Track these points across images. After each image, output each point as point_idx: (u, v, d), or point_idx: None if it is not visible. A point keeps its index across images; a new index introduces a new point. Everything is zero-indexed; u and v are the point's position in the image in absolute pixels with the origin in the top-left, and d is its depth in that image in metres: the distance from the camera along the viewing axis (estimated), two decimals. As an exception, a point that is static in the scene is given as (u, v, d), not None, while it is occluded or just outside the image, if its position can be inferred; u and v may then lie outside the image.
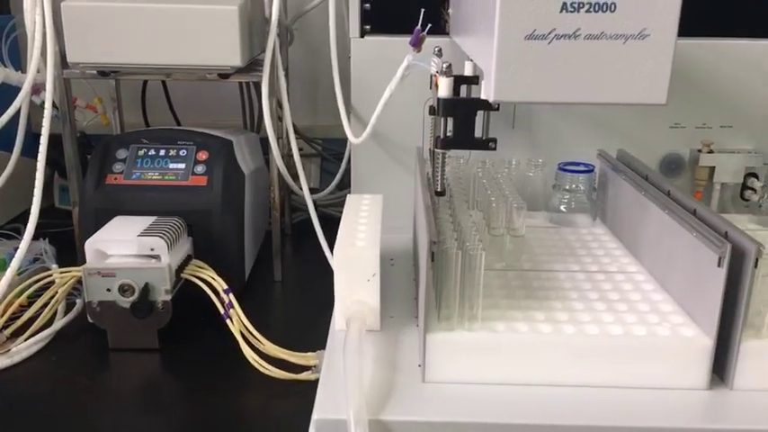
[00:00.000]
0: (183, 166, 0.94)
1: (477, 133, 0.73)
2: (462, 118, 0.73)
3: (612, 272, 0.79)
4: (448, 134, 0.74)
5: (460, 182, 0.92)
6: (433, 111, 0.91)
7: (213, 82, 0.95)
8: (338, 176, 1.22)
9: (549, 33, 0.48)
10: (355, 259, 0.71)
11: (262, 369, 0.77)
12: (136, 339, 0.85)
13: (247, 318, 0.83)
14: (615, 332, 0.64)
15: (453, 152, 1.01)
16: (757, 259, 0.60)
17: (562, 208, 0.96)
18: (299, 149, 1.43)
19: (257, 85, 1.00)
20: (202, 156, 0.95)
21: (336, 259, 0.72)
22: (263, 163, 1.10)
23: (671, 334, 0.64)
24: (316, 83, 1.40)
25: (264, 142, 1.02)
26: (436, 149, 0.76)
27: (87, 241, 0.83)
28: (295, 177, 1.06)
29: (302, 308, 1.01)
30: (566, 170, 0.96)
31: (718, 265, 0.61)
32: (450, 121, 0.74)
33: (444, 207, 0.79)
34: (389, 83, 0.85)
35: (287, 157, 1.09)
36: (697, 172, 1.04)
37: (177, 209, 0.91)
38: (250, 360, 0.78)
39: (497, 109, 0.73)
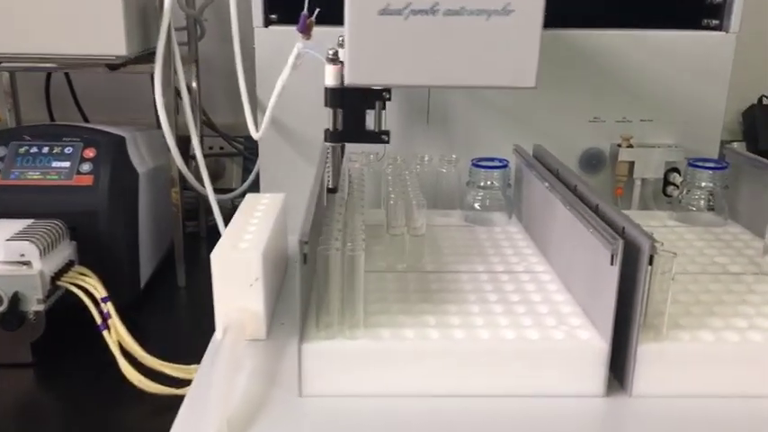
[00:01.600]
0: (67, 164, 0.87)
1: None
2: (351, 109, 0.68)
3: (518, 272, 0.74)
4: (338, 126, 0.69)
5: (367, 178, 0.87)
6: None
7: (131, 75, 0.88)
8: (252, 175, 1.16)
9: (405, 8, 0.43)
10: (235, 263, 0.65)
11: (138, 384, 0.70)
12: (6, 353, 0.77)
13: (139, 327, 0.76)
14: (507, 336, 0.60)
15: (368, 147, 0.97)
16: (652, 256, 0.56)
17: (476, 206, 0.91)
18: (220, 148, 1.37)
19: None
20: (89, 153, 0.88)
21: (214, 263, 0.65)
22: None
23: (565, 337, 0.59)
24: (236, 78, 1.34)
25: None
26: (326, 143, 0.70)
27: (-50, 247, 0.75)
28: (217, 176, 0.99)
29: (203, 316, 0.94)
30: (479, 166, 0.91)
31: (611, 263, 0.57)
32: (339, 112, 0.68)
33: (339, 205, 0.74)
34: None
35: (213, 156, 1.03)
36: (617, 167, 1.00)
37: (59, 210, 0.84)
38: (126, 374, 0.71)
39: (388, 99, 0.68)
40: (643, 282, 0.55)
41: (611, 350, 0.58)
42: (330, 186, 0.72)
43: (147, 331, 0.76)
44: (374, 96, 0.68)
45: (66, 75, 1.21)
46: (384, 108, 0.69)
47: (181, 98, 0.96)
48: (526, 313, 0.64)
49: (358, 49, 0.45)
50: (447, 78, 0.45)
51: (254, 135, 0.91)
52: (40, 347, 0.78)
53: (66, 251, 0.83)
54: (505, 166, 0.92)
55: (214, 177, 1.00)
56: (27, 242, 0.75)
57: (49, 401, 0.74)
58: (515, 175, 0.93)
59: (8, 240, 0.76)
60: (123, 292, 0.79)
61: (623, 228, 0.59)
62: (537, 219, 0.83)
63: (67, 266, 0.81)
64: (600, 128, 1.00)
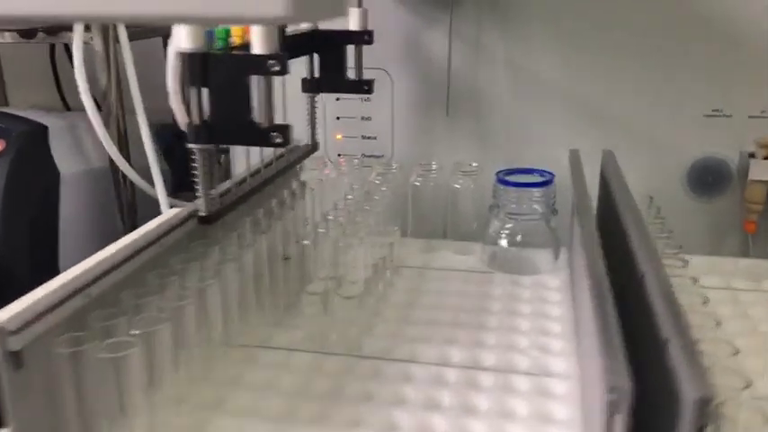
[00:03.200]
0: (-30, 159, 0.68)
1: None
2: (222, 89, 0.41)
3: (517, 372, 0.43)
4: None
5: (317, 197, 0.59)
6: (306, 85, 0.61)
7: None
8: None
9: None
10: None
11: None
12: None
13: None
14: None
15: (368, 149, 0.70)
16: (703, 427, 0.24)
17: (502, 242, 0.60)
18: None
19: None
20: (-2, 146, 0.69)
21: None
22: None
23: None
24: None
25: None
26: (188, 144, 0.44)
27: None
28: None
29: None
30: (508, 183, 0.60)
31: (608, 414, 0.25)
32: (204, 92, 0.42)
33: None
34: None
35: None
36: (748, 189, 0.64)
37: (-56, 220, 0.65)
38: None
39: (279, 71, 0.40)
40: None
41: None
42: (203, 213, 0.45)
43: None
44: (251, 68, 0.40)
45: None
46: (270, 87, 0.42)
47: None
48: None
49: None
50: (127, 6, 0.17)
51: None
52: None
53: (-58, 273, 0.64)
54: (549, 183, 0.60)
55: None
56: None
57: None
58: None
59: None
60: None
61: (663, 348, 0.27)
62: (578, 282, 0.51)
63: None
64: (722, 126, 0.64)
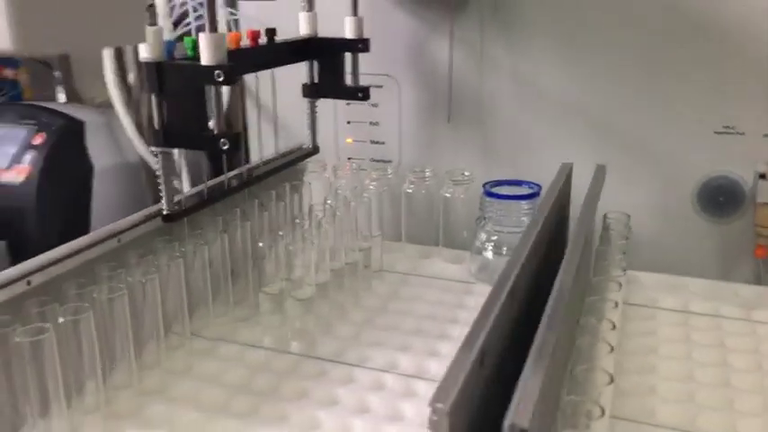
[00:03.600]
0: (13, 150, 0.75)
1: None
2: (176, 96, 0.44)
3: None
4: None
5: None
6: (306, 90, 0.63)
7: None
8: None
9: None
10: None
11: None
12: None
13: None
14: None
15: (374, 154, 0.71)
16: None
17: (487, 254, 0.60)
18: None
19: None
20: (38, 139, 0.75)
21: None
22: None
23: None
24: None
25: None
26: (151, 148, 0.47)
27: None
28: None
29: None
30: (493, 195, 0.59)
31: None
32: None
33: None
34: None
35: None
36: (759, 212, 0.60)
37: (-13, 204, 0.72)
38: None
39: (224, 81, 0.42)
40: None
41: None
42: (165, 211, 0.48)
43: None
44: (199, 78, 0.43)
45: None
46: (220, 95, 0.44)
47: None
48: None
49: None
50: None
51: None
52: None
53: (-19, 252, 0.71)
54: (536, 195, 0.59)
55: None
56: None
57: None
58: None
59: None
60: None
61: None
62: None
63: (-20, 271, 0.69)
64: (735, 144, 0.61)
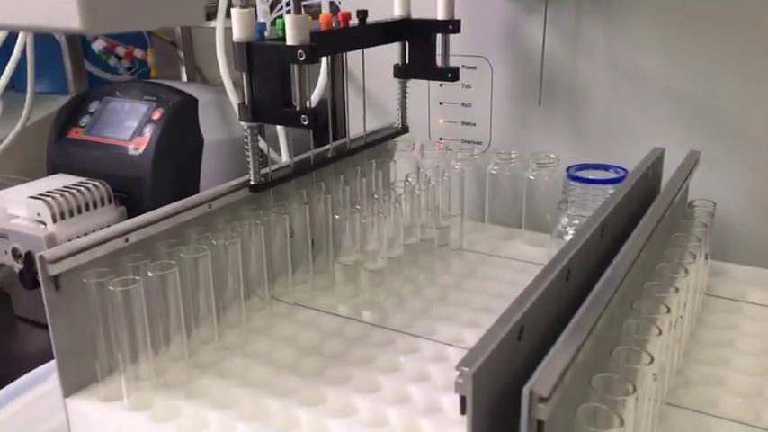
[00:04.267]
0: (135, 124, 0.83)
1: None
2: (263, 74, 0.47)
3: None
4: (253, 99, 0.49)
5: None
6: (397, 71, 0.65)
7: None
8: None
9: None
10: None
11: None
12: (31, 310, 0.77)
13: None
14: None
15: (466, 135, 0.72)
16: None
17: (568, 238, 0.59)
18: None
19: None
20: (156, 114, 0.82)
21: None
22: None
23: None
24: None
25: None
26: (241, 122, 0.50)
27: (-8, 196, 0.77)
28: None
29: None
30: (576, 178, 0.58)
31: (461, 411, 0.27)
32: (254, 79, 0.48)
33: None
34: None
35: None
36: None
37: (111, 172, 0.80)
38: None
39: (303, 60, 0.45)
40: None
41: None
42: (252, 182, 0.51)
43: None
44: (284, 57, 0.45)
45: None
46: (303, 74, 0.47)
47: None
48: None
49: None
50: None
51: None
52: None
53: (105, 216, 0.78)
54: (621, 180, 0.58)
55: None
56: (42, 202, 0.73)
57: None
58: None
59: (29, 198, 0.74)
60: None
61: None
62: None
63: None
64: None
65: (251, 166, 0.51)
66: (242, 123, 0.50)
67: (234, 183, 0.52)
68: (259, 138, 0.51)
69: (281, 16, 0.54)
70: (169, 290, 0.42)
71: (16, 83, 1.02)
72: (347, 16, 0.56)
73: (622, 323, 0.34)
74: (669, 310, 0.34)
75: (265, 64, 0.46)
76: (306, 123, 0.46)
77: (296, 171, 0.54)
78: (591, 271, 0.40)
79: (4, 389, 0.49)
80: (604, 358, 0.32)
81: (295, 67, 0.46)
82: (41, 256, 0.39)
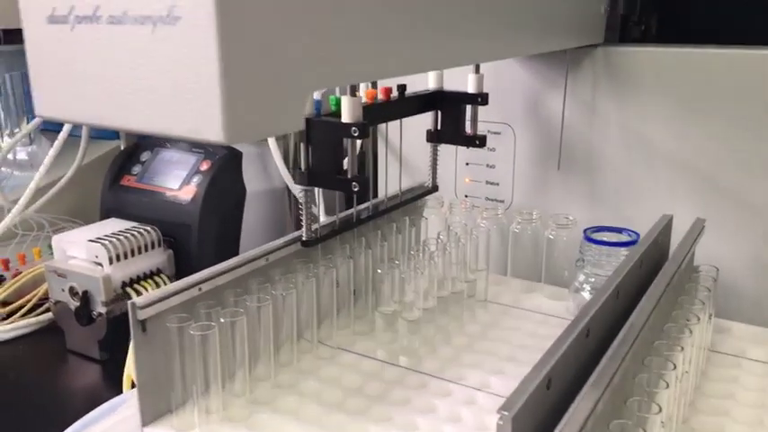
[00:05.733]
0: (184, 174, 0.90)
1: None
2: (320, 145, 0.54)
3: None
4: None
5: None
6: (429, 136, 0.72)
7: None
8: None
9: (70, 12, 0.30)
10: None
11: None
12: (81, 345, 0.83)
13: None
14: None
15: (487, 194, 0.78)
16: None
17: (585, 294, 0.65)
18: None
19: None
20: (204, 165, 0.89)
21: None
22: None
23: None
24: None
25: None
26: (296, 184, 0.57)
27: (54, 238, 0.84)
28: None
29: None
30: (592, 240, 0.65)
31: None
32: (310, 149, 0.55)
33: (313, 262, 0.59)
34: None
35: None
36: None
37: (161, 218, 0.86)
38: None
39: (359, 135, 0.52)
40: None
41: None
42: (304, 238, 0.58)
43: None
44: (339, 132, 0.52)
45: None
46: (355, 147, 0.53)
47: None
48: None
49: (40, 71, 0.33)
50: (117, 118, 0.30)
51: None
52: (113, 346, 0.81)
53: (155, 259, 0.85)
54: (634, 243, 0.64)
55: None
56: (100, 245, 0.79)
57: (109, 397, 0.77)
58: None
59: (89, 241, 0.81)
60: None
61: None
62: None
63: (152, 273, 0.84)
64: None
65: (303, 224, 0.57)
66: (297, 186, 0.56)
67: (286, 239, 0.59)
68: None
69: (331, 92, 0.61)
70: (236, 333, 0.48)
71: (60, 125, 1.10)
72: (389, 90, 0.64)
73: (635, 377, 0.40)
74: (675, 367, 0.40)
75: (322, 137, 0.53)
76: (356, 190, 0.53)
77: (341, 228, 0.61)
78: (607, 328, 0.46)
79: (78, 421, 0.55)
80: (620, 407, 0.38)
81: (348, 141, 0.53)
82: (133, 303, 0.45)
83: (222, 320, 0.47)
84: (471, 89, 0.70)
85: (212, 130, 0.27)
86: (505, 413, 0.33)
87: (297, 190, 0.62)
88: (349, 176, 0.54)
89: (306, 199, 0.57)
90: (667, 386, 0.38)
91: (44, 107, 0.32)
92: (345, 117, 0.52)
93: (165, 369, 0.47)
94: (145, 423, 0.47)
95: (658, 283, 0.48)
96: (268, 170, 0.94)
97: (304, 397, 0.52)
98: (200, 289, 0.50)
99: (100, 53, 0.30)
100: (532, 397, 0.34)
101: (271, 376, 0.53)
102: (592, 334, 0.43)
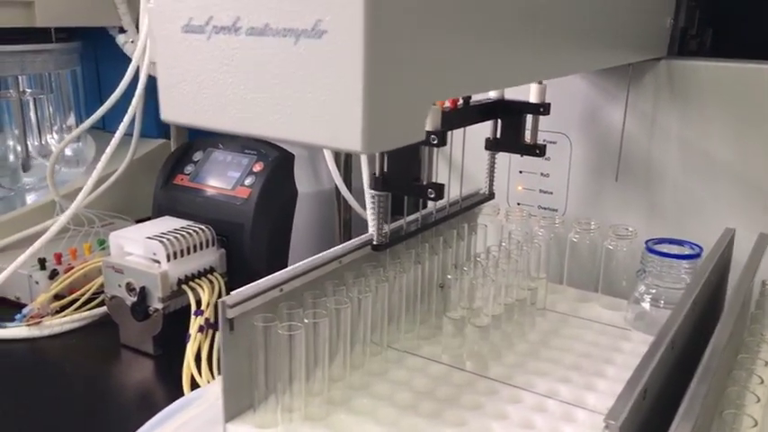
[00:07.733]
0: (237, 174, 0.91)
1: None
2: (397, 151, 0.55)
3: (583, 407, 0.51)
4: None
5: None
6: (488, 144, 0.72)
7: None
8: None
9: (208, 23, 0.31)
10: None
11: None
12: (136, 340, 0.84)
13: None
14: None
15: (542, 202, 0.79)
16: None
17: (645, 305, 0.66)
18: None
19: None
20: (257, 167, 0.90)
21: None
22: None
23: None
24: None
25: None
26: (369, 190, 0.58)
27: (111, 234, 0.85)
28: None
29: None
30: (654, 252, 0.65)
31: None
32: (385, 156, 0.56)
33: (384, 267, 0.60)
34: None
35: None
36: None
37: (214, 217, 0.88)
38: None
39: (437, 143, 0.53)
40: None
41: None
42: (375, 243, 0.59)
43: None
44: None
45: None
46: (432, 154, 0.54)
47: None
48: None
49: (168, 77, 0.34)
50: (253, 125, 0.31)
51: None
52: (166, 341, 0.82)
53: (208, 257, 0.86)
54: (697, 256, 0.64)
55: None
56: (158, 242, 0.81)
57: (164, 392, 0.78)
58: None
59: (147, 238, 0.82)
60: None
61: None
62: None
63: (206, 272, 0.85)
64: None
65: (375, 228, 0.58)
66: (370, 191, 0.58)
67: (357, 241, 0.60)
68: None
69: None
70: (318, 334, 0.49)
71: (106, 123, 1.11)
72: (456, 100, 0.64)
73: (722, 390, 0.40)
74: (762, 381, 0.41)
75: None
76: (432, 196, 0.54)
77: (408, 233, 0.62)
78: (686, 340, 0.46)
79: (156, 416, 0.56)
80: (709, 419, 0.38)
81: (426, 148, 0.54)
82: (223, 302, 0.46)
83: (306, 321, 0.48)
84: (534, 99, 0.70)
85: (351, 141, 0.28)
86: (612, 422, 0.33)
87: (368, 195, 0.63)
88: (425, 183, 0.55)
89: (378, 204, 0.58)
90: (758, 400, 0.39)
91: (171, 112, 0.33)
92: (427, 125, 0.53)
93: (248, 367, 0.49)
94: (228, 419, 0.49)
95: (736, 298, 0.49)
96: (318, 172, 0.95)
97: (377, 399, 0.53)
98: (281, 290, 0.51)
99: (236, 63, 0.31)
100: (633, 406, 0.35)
101: (345, 377, 0.54)
102: (675, 347, 0.44)
